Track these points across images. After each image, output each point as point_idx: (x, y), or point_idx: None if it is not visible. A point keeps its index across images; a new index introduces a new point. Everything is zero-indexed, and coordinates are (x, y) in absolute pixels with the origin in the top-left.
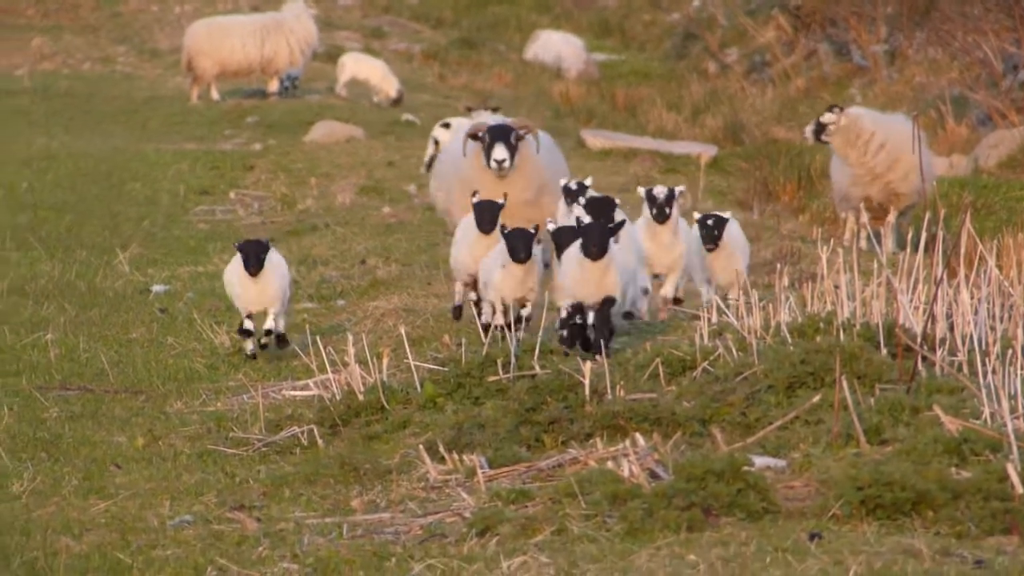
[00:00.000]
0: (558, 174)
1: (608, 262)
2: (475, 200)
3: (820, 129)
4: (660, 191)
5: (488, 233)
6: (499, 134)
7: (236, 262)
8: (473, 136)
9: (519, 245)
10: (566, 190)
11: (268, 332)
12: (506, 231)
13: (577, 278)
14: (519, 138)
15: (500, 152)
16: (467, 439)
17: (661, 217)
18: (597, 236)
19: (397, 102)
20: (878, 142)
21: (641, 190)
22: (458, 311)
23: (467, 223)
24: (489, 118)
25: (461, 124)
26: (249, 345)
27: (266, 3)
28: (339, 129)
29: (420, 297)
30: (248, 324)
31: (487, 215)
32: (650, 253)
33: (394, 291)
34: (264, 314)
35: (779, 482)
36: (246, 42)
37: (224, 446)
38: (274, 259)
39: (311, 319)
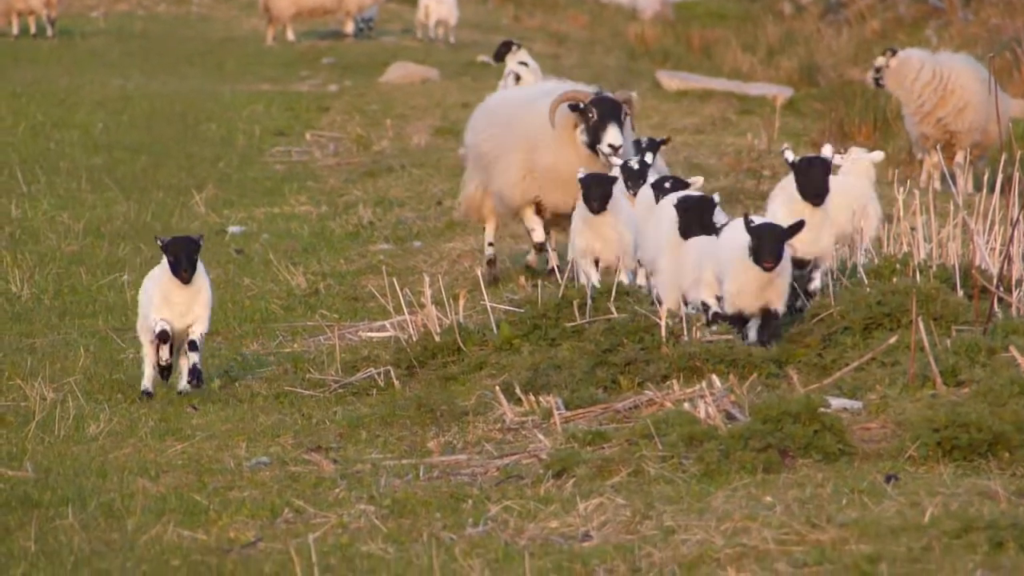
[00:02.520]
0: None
1: (781, 269)
2: (582, 175)
3: (877, 73)
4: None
5: (598, 212)
6: (612, 111)
7: (159, 275)
8: (573, 106)
9: (594, 191)
10: (627, 170)
11: (191, 344)
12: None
13: (741, 285)
14: (627, 115)
15: (615, 135)
16: (543, 381)
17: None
18: (771, 242)
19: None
20: (924, 80)
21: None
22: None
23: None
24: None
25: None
26: (149, 373)
27: None
28: (414, 70)
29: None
30: (164, 352)
31: (596, 191)
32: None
33: (470, 232)
34: (184, 334)
35: (855, 423)
36: None
37: (300, 387)
38: (200, 266)
39: (387, 260)
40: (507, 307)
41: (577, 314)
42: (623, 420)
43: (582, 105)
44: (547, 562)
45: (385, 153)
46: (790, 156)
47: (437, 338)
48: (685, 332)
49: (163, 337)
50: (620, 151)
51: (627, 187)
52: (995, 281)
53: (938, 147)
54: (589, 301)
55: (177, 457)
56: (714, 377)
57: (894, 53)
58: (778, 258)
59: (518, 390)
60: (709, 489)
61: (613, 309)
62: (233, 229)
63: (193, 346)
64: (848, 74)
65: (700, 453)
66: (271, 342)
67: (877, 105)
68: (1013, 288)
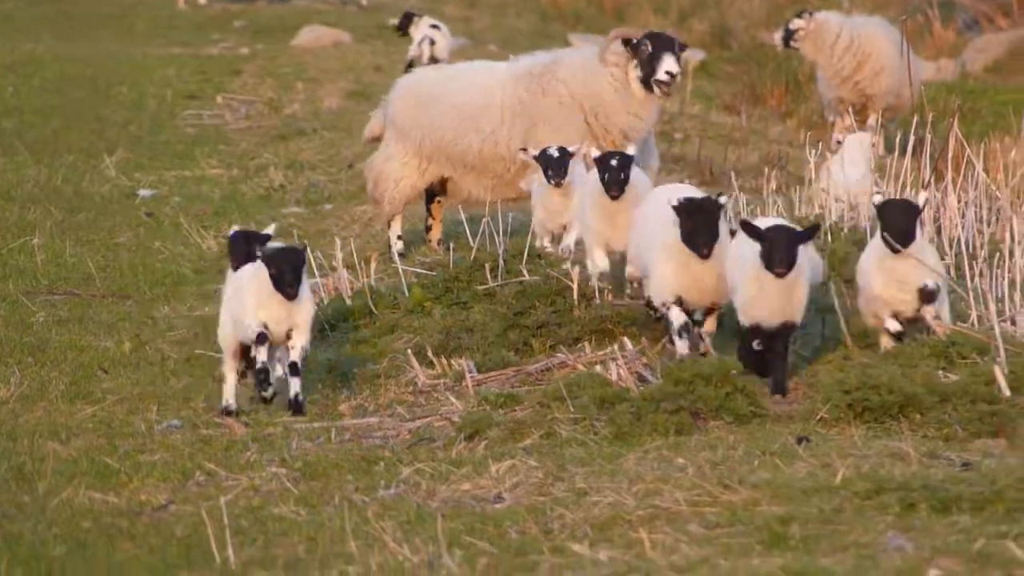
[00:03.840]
0: (647, 154)
1: (796, 278)
2: (597, 154)
3: (789, 35)
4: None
5: (617, 198)
6: (667, 43)
7: (256, 275)
8: (626, 42)
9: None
10: (545, 159)
11: (293, 367)
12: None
13: (754, 295)
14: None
15: (672, 63)
16: (455, 343)
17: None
18: (784, 246)
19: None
20: (843, 44)
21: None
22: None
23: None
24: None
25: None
26: (230, 385)
27: None
28: (326, 33)
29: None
30: (262, 358)
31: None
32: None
33: None
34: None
35: (767, 386)
36: None
37: (212, 351)
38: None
39: (298, 223)
40: (419, 270)
41: (489, 277)
42: (535, 383)
43: (635, 40)
44: (459, 524)
45: (296, 116)
46: (877, 199)
47: (348, 301)
48: (597, 295)
49: (261, 339)
50: (677, 79)
51: (547, 178)
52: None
53: (850, 110)
54: (501, 264)
55: (88, 420)
56: (626, 340)
57: (811, 15)
58: (791, 263)
59: (430, 353)
60: (621, 451)
61: (525, 272)
62: (143, 192)
63: (294, 370)
64: (760, 37)
65: (612, 415)
66: (182, 306)
67: (789, 68)
68: None
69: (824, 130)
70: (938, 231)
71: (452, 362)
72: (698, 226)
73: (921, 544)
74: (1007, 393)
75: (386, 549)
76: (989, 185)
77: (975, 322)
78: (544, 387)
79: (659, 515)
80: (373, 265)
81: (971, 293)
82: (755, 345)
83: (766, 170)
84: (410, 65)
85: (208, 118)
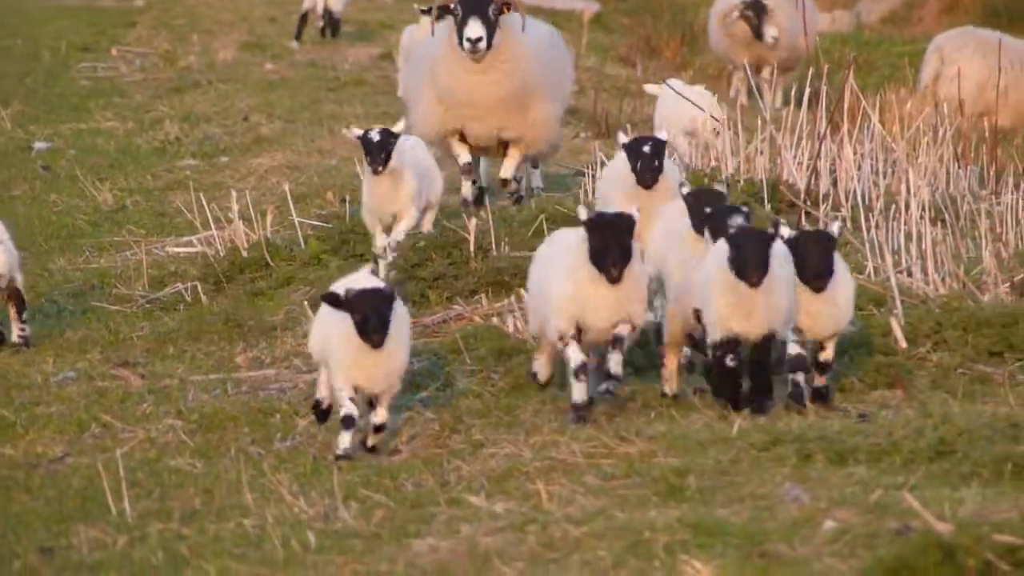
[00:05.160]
0: (556, 74)
1: (771, 284)
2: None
3: None
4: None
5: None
6: (474, 5)
7: (337, 321)
8: (444, 8)
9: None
10: (366, 142)
11: (378, 428)
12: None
13: (729, 304)
14: (500, 12)
15: (475, 28)
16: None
17: None
18: (755, 250)
19: None
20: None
21: None
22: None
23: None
24: None
25: None
26: (346, 440)
27: None
28: None
29: (303, 154)
30: (350, 407)
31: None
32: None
33: (277, 148)
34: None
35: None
36: None
37: (107, 303)
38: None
39: (194, 176)
40: (315, 223)
41: None
42: (432, 335)
43: (452, 6)
44: (355, 476)
45: (192, 68)
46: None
47: (244, 253)
48: (493, 247)
49: (348, 424)
50: (480, 44)
51: (368, 163)
52: (802, 195)
53: (746, 62)
54: None
55: None
56: (523, 291)
57: None
58: (765, 270)
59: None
60: (518, 403)
61: None
62: (39, 145)
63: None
64: None
65: (509, 367)
66: (78, 258)
67: (685, 20)
68: (820, 202)
69: (721, 81)
70: (834, 183)
71: None
72: (608, 245)
73: (818, 495)
74: (903, 344)
75: (282, 501)
76: (885, 137)
77: (871, 274)
78: (441, 339)
79: (556, 467)
80: (269, 217)
81: (867, 245)
82: (729, 361)
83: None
84: (304, 17)
85: (103, 71)
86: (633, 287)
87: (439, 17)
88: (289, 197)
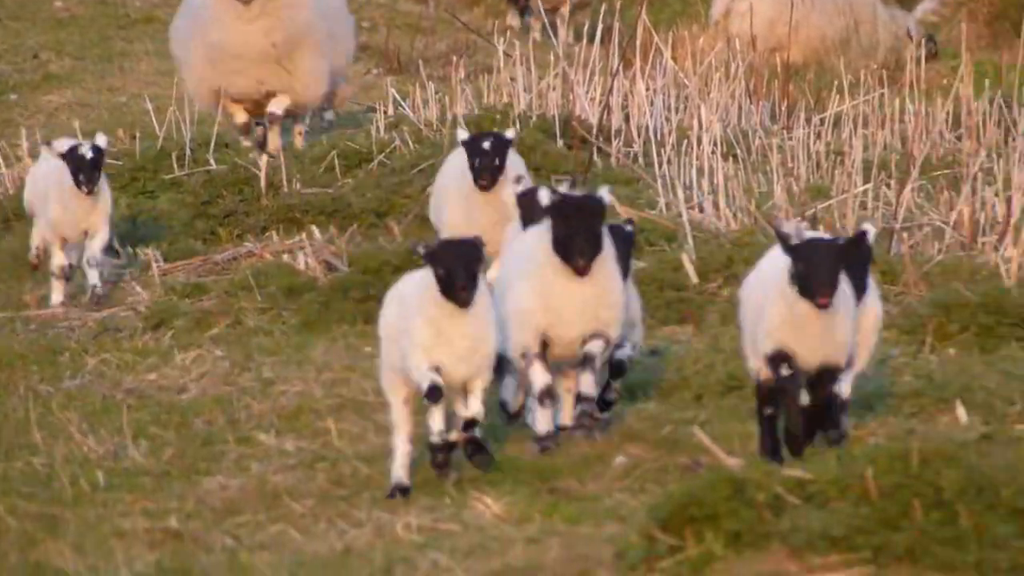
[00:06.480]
0: (331, 28)
1: (837, 307)
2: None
3: None
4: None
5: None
6: None
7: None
8: None
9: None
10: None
11: (470, 425)
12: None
13: (789, 329)
14: None
15: None
16: (141, 233)
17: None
18: (827, 267)
19: None
20: None
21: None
22: None
23: None
24: None
25: None
26: (403, 454)
27: None
28: None
29: (93, 92)
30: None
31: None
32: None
33: (67, 85)
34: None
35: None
36: None
37: None
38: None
39: None
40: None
41: (176, 166)
42: (222, 272)
43: None
44: (145, 414)
45: None
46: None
47: None
48: (285, 183)
49: (434, 395)
50: None
51: (79, 182)
52: (595, 131)
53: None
54: (188, 152)
55: None
56: (314, 228)
57: None
58: (834, 288)
59: (115, 243)
60: (309, 340)
61: (212, 161)
62: None
63: (471, 426)
64: None
65: (300, 304)
66: None
67: None
68: (612, 138)
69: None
70: (627, 119)
71: (138, 252)
72: (574, 231)
73: (608, 431)
74: (695, 280)
75: (71, 440)
76: (677, 73)
77: (663, 209)
78: (231, 277)
79: (346, 404)
80: None
81: (659, 180)
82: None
83: (454, 59)
84: None
85: None
86: (606, 288)
87: None
88: (79, 134)
